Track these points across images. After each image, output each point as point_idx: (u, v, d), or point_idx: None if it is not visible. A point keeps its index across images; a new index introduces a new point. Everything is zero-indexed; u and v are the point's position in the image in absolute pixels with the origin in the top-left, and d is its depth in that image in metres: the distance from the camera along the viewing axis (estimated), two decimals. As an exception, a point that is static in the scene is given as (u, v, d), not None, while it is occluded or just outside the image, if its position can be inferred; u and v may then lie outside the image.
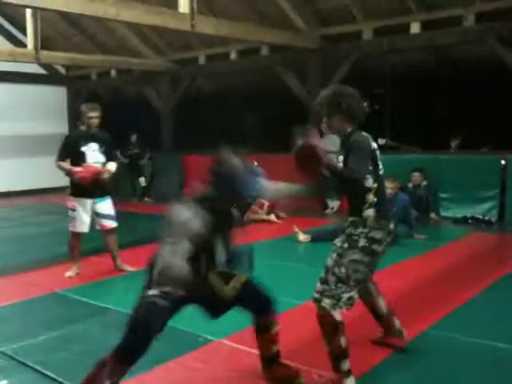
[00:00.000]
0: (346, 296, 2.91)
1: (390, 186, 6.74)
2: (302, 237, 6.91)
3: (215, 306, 2.89)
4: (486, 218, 7.90)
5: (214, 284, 2.68)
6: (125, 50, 12.17)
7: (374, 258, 2.98)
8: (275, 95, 10.68)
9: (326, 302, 2.92)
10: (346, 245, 2.97)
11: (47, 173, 13.15)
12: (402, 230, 6.87)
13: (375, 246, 2.94)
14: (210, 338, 3.67)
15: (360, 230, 2.95)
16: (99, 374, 2.67)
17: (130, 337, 2.66)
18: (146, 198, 11.45)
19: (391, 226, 3.04)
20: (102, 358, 2.71)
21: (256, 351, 3.17)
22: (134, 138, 11.67)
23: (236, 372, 3.17)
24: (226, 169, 2.73)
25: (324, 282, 2.97)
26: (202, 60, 12.00)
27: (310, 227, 7.40)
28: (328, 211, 9.25)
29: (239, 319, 3.96)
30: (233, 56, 11.37)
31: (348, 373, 2.93)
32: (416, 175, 8.31)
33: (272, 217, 8.54)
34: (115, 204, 5.54)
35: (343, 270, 2.91)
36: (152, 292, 2.67)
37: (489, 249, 6.62)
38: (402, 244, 6.53)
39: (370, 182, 2.96)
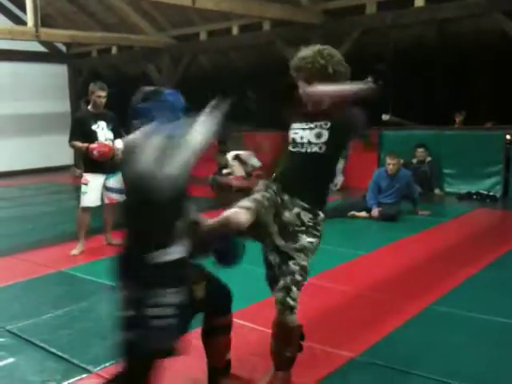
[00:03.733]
0: None
1: (391, 162, 6.73)
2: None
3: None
4: (491, 193, 7.88)
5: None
6: (125, 27, 12.04)
7: None
8: (277, 71, 10.57)
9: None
10: None
11: (50, 151, 13.25)
12: (406, 207, 6.86)
13: None
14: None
15: None
16: None
17: None
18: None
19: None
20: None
21: (259, 327, 3.19)
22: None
23: (235, 348, 3.17)
24: None
25: None
26: (203, 36, 11.88)
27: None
28: (331, 188, 9.23)
29: (246, 294, 4.01)
30: (234, 31, 11.25)
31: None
32: (420, 151, 8.27)
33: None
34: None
35: None
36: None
37: (493, 224, 6.62)
38: (406, 220, 6.54)
39: None
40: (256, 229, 2.55)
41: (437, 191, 8.38)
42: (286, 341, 2.69)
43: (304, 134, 2.63)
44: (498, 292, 4.07)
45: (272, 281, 2.69)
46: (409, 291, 4.10)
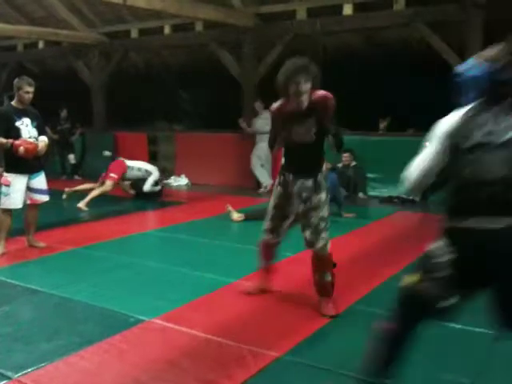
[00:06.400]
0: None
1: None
2: (235, 216, 6.98)
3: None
4: (410, 197, 8.23)
5: None
6: (54, 22, 11.70)
7: None
8: (210, 72, 10.62)
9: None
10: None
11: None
12: (332, 209, 7.06)
13: None
14: (141, 317, 3.68)
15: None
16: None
17: None
18: (76, 176, 11.13)
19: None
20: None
21: (188, 330, 3.21)
22: (64, 113, 11.25)
23: (166, 352, 3.21)
24: None
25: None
26: (134, 34, 11.72)
27: (243, 206, 7.49)
28: (261, 190, 9.37)
29: (172, 296, 4.05)
30: (167, 31, 11.17)
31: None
32: (346, 156, 8.53)
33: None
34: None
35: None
36: None
37: (412, 227, 6.92)
38: (332, 222, 6.68)
39: None
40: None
41: (360, 195, 8.68)
42: (327, 267, 3.79)
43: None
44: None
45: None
46: (334, 291, 4.24)
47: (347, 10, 9.12)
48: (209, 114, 11.54)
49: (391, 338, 2.37)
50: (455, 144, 2.20)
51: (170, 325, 3.57)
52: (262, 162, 9.46)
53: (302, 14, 9.55)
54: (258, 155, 9.48)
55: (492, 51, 2.20)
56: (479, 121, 2.15)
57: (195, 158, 10.32)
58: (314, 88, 3.51)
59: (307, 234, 3.74)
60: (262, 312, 3.87)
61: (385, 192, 8.52)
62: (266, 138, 9.33)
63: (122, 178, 8.37)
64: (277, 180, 3.90)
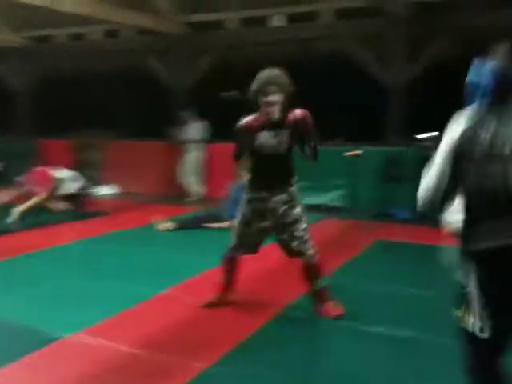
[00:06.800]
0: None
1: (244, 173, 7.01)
2: (164, 225, 6.90)
3: None
4: (337, 205, 8.42)
5: None
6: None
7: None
8: (140, 80, 10.49)
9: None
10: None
11: None
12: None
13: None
14: (61, 333, 3.52)
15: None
16: None
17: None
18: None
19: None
20: None
21: (113, 344, 3.13)
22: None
23: (88, 368, 3.11)
24: None
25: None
26: (62, 38, 11.41)
27: (172, 215, 7.43)
28: (189, 199, 9.31)
29: (95, 310, 3.94)
30: (96, 36, 10.95)
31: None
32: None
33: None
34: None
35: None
36: None
37: (337, 233, 7.07)
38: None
39: None
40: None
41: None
42: (319, 274, 3.85)
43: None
44: (343, 296, 4.15)
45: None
46: (263, 296, 4.28)
47: (279, 21, 9.28)
48: (138, 121, 11.38)
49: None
50: (461, 156, 2.05)
51: (94, 340, 3.47)
52: (193, 171, 9.41)
53: (233, 24, 9.62)
54: (187, 164, 9.43)
55: (494, 55, 2.11)
56: (484, 128, 2.02)
57: (123, 167, 10.12)
58: (288, 100, 3.57)
59: (294, 245, 3.77)
60: (190, 323, 3.83)
61: (312, 200, 8.64)
62: (198, 147, 9.46)
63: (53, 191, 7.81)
64: (246, 196, 3.83)
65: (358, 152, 8.15)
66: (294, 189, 3.78)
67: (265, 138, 3.64)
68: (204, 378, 3.01)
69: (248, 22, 9.53)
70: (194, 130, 9.33)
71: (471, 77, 2.15)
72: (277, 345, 3.45)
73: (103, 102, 11.15)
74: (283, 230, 3.76)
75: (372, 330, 3.65)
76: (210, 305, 4.02)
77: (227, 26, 9.69)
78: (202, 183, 9.36)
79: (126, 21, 9.11)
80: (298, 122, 3.57)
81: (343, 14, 8.84)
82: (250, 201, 3.80)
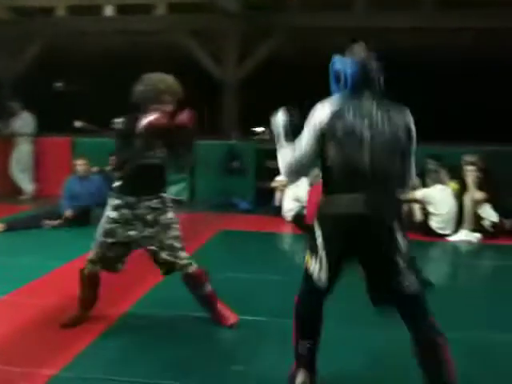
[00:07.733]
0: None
1: (78, 163, 6.89)
2: (-7, 226, 6.40)
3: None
4: (178, 198, 8.51)
5: None
6: None
7: None
8: None
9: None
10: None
11: None
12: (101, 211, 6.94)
13: None
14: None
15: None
16: None
17: None
18: None
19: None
20: None
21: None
22: None
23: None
24: None
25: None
26: None
27: (4, 215, 6.93)
28: (23, 197, 8.73)
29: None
30: None
31: None
32: (112, 159, 8.44)
33: None
34: None
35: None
36: None
37: (181, 226, 7.15)
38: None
39: None
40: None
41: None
42: (202, 281, 3.61)
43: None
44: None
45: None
46: (108, 298, 4.19)
47: (108, 11, 9.03)
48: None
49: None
50: (325, 134, 2.41)
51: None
52: (21, 167, 8.81)
53: (61, 12, 9.17)
54: (17, 159, 8.82)
55: (356, 49, 2.53)
56: (345, 112, 2.40)
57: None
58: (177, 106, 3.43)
59: (163, 255, 3.50)
60: (33, 330, 3.62)
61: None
62: (26, 140, 8.86)
63: None
64: (110, 203, 3.50)
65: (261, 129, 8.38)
66: (166, 194, 3.62)
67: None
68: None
69: (78, 10, 9.14)
70: (23, 122, 8.75)
71: (337, 66, 2.53)
72: (121, 344, 3.42)
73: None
74: (152, 239, 3.50)
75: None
76: (69, 323, 3.63)
77: (56, 14, 9.20)
78: (33, 180, 8.83)
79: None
80: (177, 127, 3.37)
81: (176, 8, 8.88)
82: (113, 209, 3.48)
